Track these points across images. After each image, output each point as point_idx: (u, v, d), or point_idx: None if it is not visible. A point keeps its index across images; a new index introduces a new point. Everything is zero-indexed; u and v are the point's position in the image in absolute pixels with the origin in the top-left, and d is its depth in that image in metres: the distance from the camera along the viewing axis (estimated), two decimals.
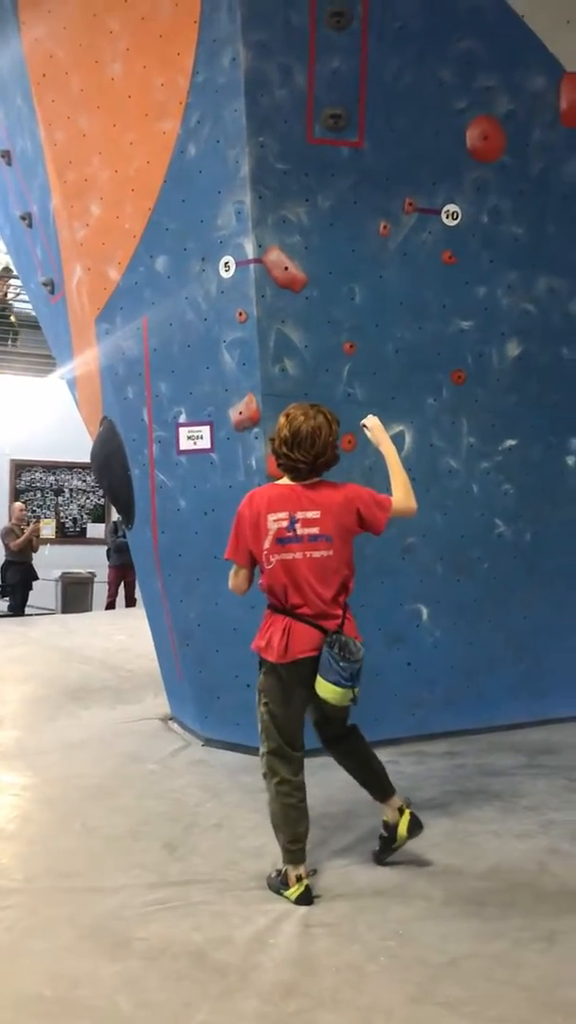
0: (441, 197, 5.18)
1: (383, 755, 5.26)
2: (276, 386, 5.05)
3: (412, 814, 3.80)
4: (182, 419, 5.41)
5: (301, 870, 3.57)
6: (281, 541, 3.51)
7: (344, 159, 5.00)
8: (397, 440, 5.30)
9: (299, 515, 3.53)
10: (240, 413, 5.12)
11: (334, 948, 3.20)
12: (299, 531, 3.51)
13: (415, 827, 3.79)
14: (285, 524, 3.51)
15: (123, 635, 9.90)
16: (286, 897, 3.54)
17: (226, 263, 5.07)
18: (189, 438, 5.40)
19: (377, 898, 3.56)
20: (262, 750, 3.65)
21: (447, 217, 5.20)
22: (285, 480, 3.65)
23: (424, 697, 5.56)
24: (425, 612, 5.51)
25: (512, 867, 3.81)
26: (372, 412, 5.20)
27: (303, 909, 3.46)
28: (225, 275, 5.08)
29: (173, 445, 5.44)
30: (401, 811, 3.78)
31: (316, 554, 3.52)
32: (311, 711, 3.73)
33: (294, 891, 3.53)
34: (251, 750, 5.33)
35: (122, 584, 13.41)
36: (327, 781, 4.45)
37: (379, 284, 5.15)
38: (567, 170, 5.31)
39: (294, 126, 4.91)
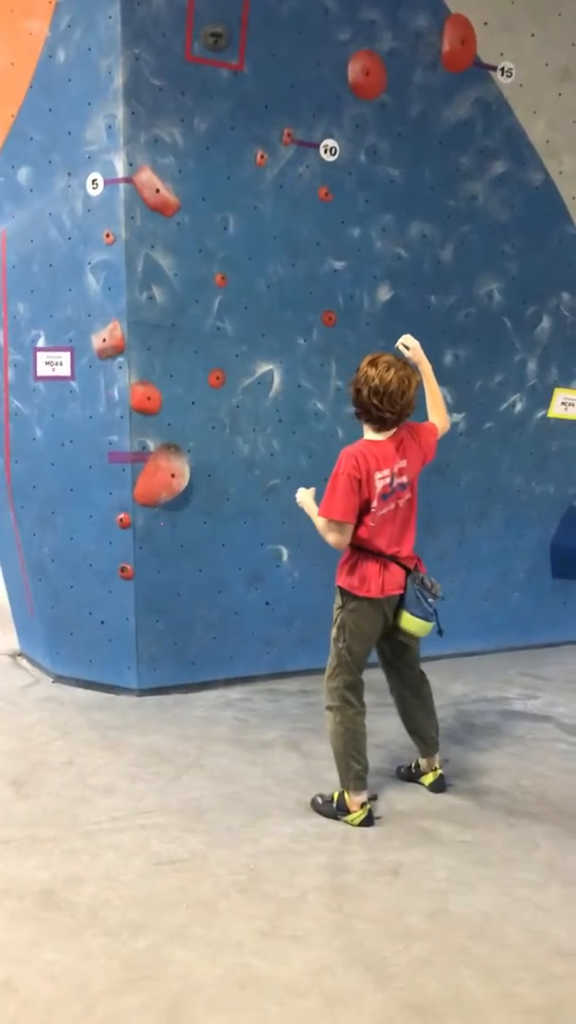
0: (320, 131, 5.06)
1: (237, 692, 5.32)
2: (142, 314, 4.87)
3: (442, 775, 4.08)
4: (40, 343, 5.15)
5: (364, 796, 3.75)
6: (385, 497, 3.63)
7: (223, 81, 4.81)
8: (266, 378, 5.24)
9: (396, 468, 3.64)
10: (104, 340, 4.92)
11: (185, 884, 3.20)
12: (394, 484, 3.64)
13: (439, 787, 4.04)
14: (388, 481, 3.62)
15: None
16: (346, 822, 3.70)
17: (94, 180, 4.81)
18: (47, 364, 5.15)
19: (228, 834, 3.57)
20: (334, 684, 3.76)
21: (325, 152, 5.10)
22: (372, 434, 3.68)
23: (280, 636, 5.60)
24: (286, 553, 5.51)
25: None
26: (242, 348, 5.15)
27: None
28: (93, 193, 4.82)
29: (30, 370, 5.18)
30: (434, 770, 4.07)
31: (402, 501, 3.69)
32: (383, 649, 3.93)
33: (358, 815, 3.71)
34: (104, 687, 5.26)
35: None
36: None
37: (254, 215, 5.01)
38: (446, 115, 5.28)
39: (172, 40, 4.66)
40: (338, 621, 3.74)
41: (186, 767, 4.22)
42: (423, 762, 4.10)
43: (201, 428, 5.13)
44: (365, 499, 3.58)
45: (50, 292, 5.09)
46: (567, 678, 5.84)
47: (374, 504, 3.59)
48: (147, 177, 4.78)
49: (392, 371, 3.56)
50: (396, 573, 3.69)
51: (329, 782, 4.05)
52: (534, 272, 5.77)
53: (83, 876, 3.22)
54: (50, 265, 5.06)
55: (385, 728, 4.77)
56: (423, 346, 3.93)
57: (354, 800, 3.73)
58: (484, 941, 2.92)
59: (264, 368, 5.23)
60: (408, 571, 3.72)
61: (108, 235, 4.82)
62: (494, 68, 5.31)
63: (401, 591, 3.70)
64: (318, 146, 5.08)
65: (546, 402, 6.10)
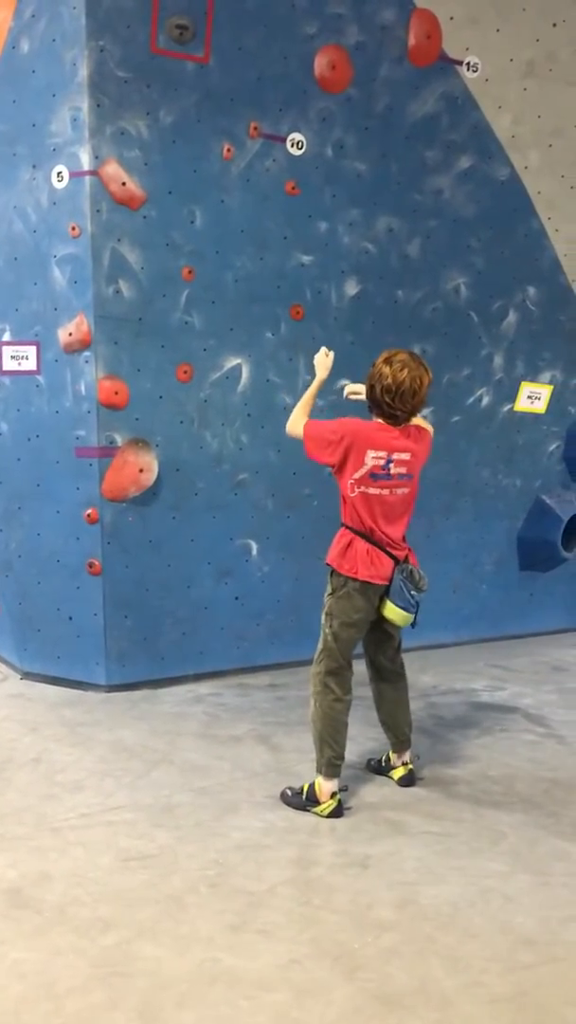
0: (287, 124, 5.05)
1: (206, 687, 5.32)
2: (109, 308, 4.84)
3: (411, 770, 4.10)
4: (6, 337, 5.10)
5: (335, 785, 3.77)
6: (374, 476, 3.69)
7: (189, 74, 4.78)
8: (234, 373, 5.23)
9: (395, 456, 3.70)
10: (70, 334, 4.88)
11: (154, 880, 3.20)
12: (392, 470, 3.70)
13: (408, 782, 4.06)
14: (382, 463, 3.68)
15: None
16: (315, 813, 3.72)
17: (59, 173, 4.77)
18: (13, 358, 5.11)
19: (197, 829, 3.58)
20: (317, 669, 3.83)
21: (292, 146, 5.09)
22: (378, 420, 3.74)
23: (250, 630, 5.60)
24: (255, 547, 5.51)
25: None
26: (210, 342, 5.13)
27: (119, 839, 3.44)
28: (58, 185, 4.78)
29: None
30: (404, 765, 4.10)
31: (399, 491, 3.75)
32: (366, 639, 4.00)
33: (327, 806, 3.73)
34: (72, 683, 5.23)
35: None
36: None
37: (220, 209, 5.00)
38: (412, 109, 5.29)
39: (137, 32, 4.63)
40: (326, 607, 3.81)
41: (155, 763, 4.21)
42: (393, 756, 4.12)
43: (169, 423, 5.11)
44: (341, 459, 3.70)
45: (15, 286, 5.05)
46: (534, 669, 5.90)
47: (356, 475, 3.68)
48: (113, 170, 4.74)
49: (406, 371, 3.63)
50: (385, 563, 3.75)
51: (299, 775, 4.07)
52: (500, 266, 5.81)
53: (51, 873, 3.21)
54: (15, 259, 5.02)
55: (352, 721, 4.79)
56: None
57: (325, 788, 3.76)
58: (452, 931, 2.95)
59: (232, 362, 5.22)
60: (397, 561, 3.77)
61: (74, 228, 4.78)
62: (460, 63, 5.32)
63: (387, 582, 3.75)
64: (285, 140, 5.07)
65: (512, 396, 6.14)
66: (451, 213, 5.57)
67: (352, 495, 3.73)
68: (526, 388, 6.17)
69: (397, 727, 4.08)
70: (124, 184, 4.76)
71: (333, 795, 3.77)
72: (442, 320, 5.74)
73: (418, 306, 5.65)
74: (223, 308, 5.12)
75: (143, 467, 5.02)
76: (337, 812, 3.73)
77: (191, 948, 2.80)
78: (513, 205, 5.74)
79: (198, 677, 5.43)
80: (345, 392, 4.01)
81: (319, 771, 3.79)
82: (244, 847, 3.45)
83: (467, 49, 5.32)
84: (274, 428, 5.43)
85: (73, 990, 2.59)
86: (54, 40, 4.64)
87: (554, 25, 5.47)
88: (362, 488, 3.70)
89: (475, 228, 5.67)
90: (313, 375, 4.07)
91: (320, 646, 3.84)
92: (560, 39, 5.51)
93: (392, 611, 3.77)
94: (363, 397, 3.82)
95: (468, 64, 5.34)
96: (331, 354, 4.03)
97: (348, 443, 3.68)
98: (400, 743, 4.10)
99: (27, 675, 5.42)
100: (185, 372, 5.09)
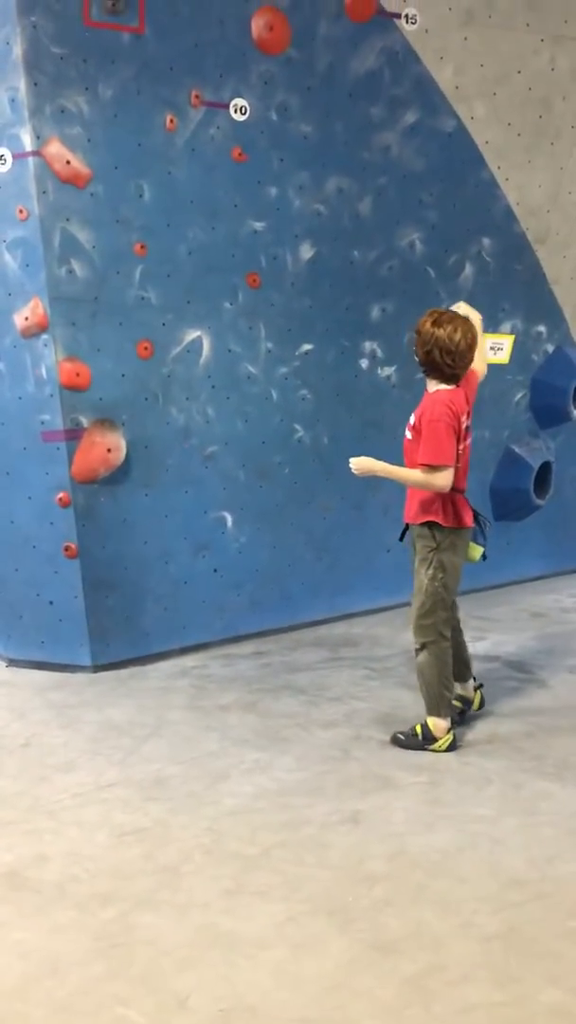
0: (228, 91, 5.01)
1: (191, 660, 5.36)
2: (63, 289, 4.81)
3: (482, 694, 4.40)
4: None
5: (449, 721, 4.03)
6: (466, 438, 3.97)
7: (125, 46, 4.72)
8: (195, 346, 5.22)
9: (468, 411, 3.98)
10: (26, 319, 4.85)
11: (149, 852, 3.25)
12: (469, 426, 3.99)
13: (483, 703, 4.39)
14: (468, 424, 3.97)
15: None
16: (434, 750, 3.95)
17: (1, 156, 4.72)
18: None
19: (189, 799, 3.63)
20: (430, 621, 3.98)
21: (235, 112, 5.05)
22: (444, 385, 3.90)
23: (231, 601, 5.64)
24: (230, 519, 5.54)
25: (319, 756, 3.98)
26: (168, 317, 5.11)
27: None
28: (1, 168, 4.73)
29: None
30: (476, 689, 4.36)
31: (469, 441, 4.04)
32: None
33: (445, 740, 3.98)
34: (58, 667, 5.26)
35: None
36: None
37: (168, 181, 4.96)
38: (353, 66, 5.25)
39: (68, 6, 4.56)
40: (434, 562, 3.95)
41: (145, 738, 4.26)
42: (466, 689, 4.30)
43: (133, 400, 5.11)
44: (458, 440, 3.88)
45: None
46: (514, 617, 5.99)
47: (460, 447, 3.90)
48: (56, 149, 4.69)
49: (459, 332, 3.79)
50: (469, 509, 4.03)
51: (288, 739, 4.13)
52: (453, 219, 5.80)
53: (48, 854, 3.26)
54: None
55: (337, 682, 4.87)
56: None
57: (441, 725, 3.99)
58: (442, 878, 3.02)
59: (192, 335, 5.21)
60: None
61: (21, 211, 4.73)
62: (398, 16, 5.28)
63: (472, 524, 4.05)
64: (228, 106, 5.03)
65: None
66: (400, 169, 5.55)
67: (459, 465, 3.92)
68: (488, 340, 6.16)
69: (466, 655, 4.31)
70: (68, 163, 4.71)
71: (448, 730, 3.99)
72: (399, 278, 5.74)
73: (374, 265, 5.65)
74: (179, 281, 5.10)
75: (111, 447, 5.02)
76: (453, 746, 3.97)
77: (189, 914, 2.87)
78: (462, 157, 5.72)
79: (183, 651, 5.47)
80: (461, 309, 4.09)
81: (434, 712, 4.00)
82: (236, 813, 3.51)
83: (404, 1, 5.27)
84: (239, 398, 5.44)
85: (75, 964, 2.64)
86: None
87: None
88: (460, 449, 3.92)
89: (426, 182, 5.65)
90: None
91: (429, 600, 3.96)
92: None
93: (475, 549, 4.10)
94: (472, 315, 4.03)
95: (406, 16, 5.29)
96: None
97: (456, 429, 3.84)
98: (469, 670, 4.32)
99: (12, 662, 5.43)
100: (145, 348, 5.08)
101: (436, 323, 3.81)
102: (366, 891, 2.96)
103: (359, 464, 3.97)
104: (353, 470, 3.99)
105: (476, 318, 4.08)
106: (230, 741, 4.18)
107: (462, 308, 4.10)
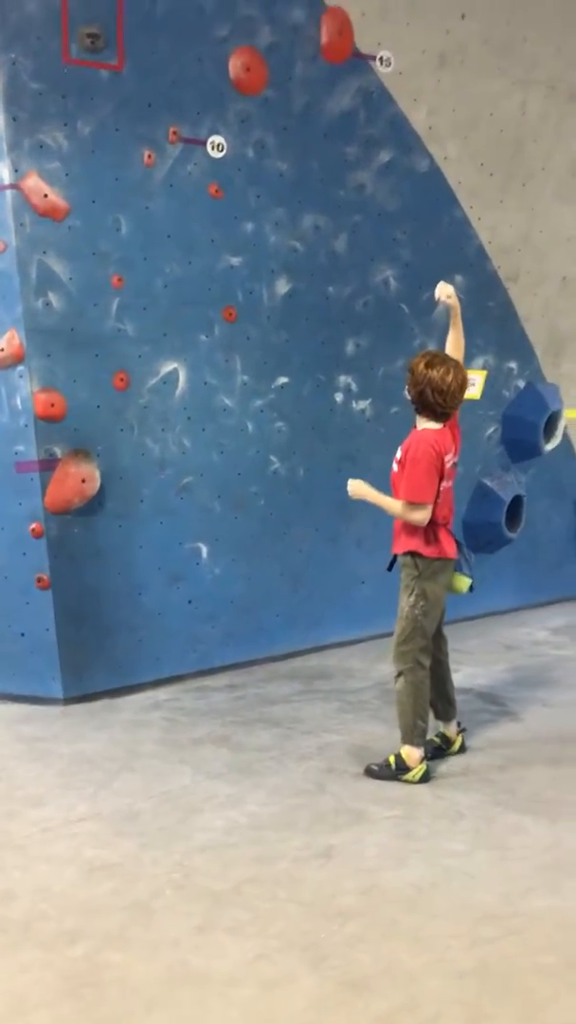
0: (206, 127, 5.08)
1: (165, 693, 5.33)
2: (40, 321, 4.83)
3: (464, 738, 4.39)
4: None
5: (422, 752, 4.06)
6: (448, 476, 4.06)
7: (104, 83, 4.78)
8: (171, 377, 5.25)
9: (454, 450, 4.10)
10: (1, 350, 4.86)
11: (119, 888, 3.21)
12: (454, 465, 4.11)
13: (463, 748, 4.37)
14: (452, 462, 4.07)
15: None
16: (407, 780, 3.98)
17: None
18: None
19: (160, 834, 3.59)
20: (407, 648, 4.05)
21: (212, 149, 5.11)
22: (430, 423, 4.04)
23: (205, 633, 5.62)
24: (205, 550, 5.53)
25: (292, 790, 3.96)
26: (144, 349, 5.14)
27: (85, 849, 3.45)
28: None
29: None
30: (459, 733, 4.36)
31: (453, 479, 4.15)
32: None
33: (418, 771, 4.00)
34: (28, 699, 5.20)
35: None
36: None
37: (145, 215, 5.01)
38: (329, 106, 5.35)
39: (48, 43, 4.62)
40: (416, 590, 4.03)
41: (116, 772, 4.21)
42: (448, 729, 4.32)
43: (109, 431, 5.11)
44: (439, 479, 3.99)
45: None
46: (487, 649, 6.01)
47: (443, 484, 4.01)
48: (34, 183, 4.73)
49: (451, 374, 3.94)
50: (452, 541, 4.13)
51: (261, 772, 4.11)
52: (427, 257, 5.89)
53: (15, 891, 3.20)
54: None
55: (311, 715, 4.86)
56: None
57: (415, 755, 4.01)
58: (415, 913, 3.00)
59: (168, 367, 5.23)
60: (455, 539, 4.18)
61: None
62: (373, 58, 5.39)
63: (456, 556, 4.15)
64: (205, 143, 5.10)
65: None
66: (375, 207, 5.64)
67: (439, 501, 4.02)
68: None
69: (451, 693, 4.34)
70: (46, 196, 4.75)
71: (421, 760, 4.01)
72: (373, 313, 5.81)
73: (349, 301, 5.72)
74: (155, 314, 5.13)
75: (85, 477, 5.01)
76: (426, 777, 3.99)
77: (159, 952, 2.82)
78: (435, 196, 5.83)
79: (156, 683, 5.43)
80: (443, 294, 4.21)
81: (408, 741, 4.03)
82: (208, 848, 3.48)
83: (379, 44, 5.39)
84: (215, 430, 5.46)
85: (41, 1004, 2.59)
86: None
87: (463, 16, 5.57)
88: (442, 487, 4.02)
89: (400, 221, 5.75)
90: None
91: (408, 627, 4.04)
92: (469, 30, 5.61)
93: (461, 580, 4.19)
94: (453, 303, 4.17)
95: (381, 59, 5.41)
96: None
97: (438, 468, 3.95)
98: (453, 709, 4.34)
99: None
100: (121, 380, 5.10)
101: (429, 364, 3.95)
102: (338, 927, 2.93)
103: (355, 487, 4.13)
104: (349, 491, 4.15)
105: (456, 307, 4.23)
106: (203, 775, 4.15)
107: (447, 289, 4.21)
